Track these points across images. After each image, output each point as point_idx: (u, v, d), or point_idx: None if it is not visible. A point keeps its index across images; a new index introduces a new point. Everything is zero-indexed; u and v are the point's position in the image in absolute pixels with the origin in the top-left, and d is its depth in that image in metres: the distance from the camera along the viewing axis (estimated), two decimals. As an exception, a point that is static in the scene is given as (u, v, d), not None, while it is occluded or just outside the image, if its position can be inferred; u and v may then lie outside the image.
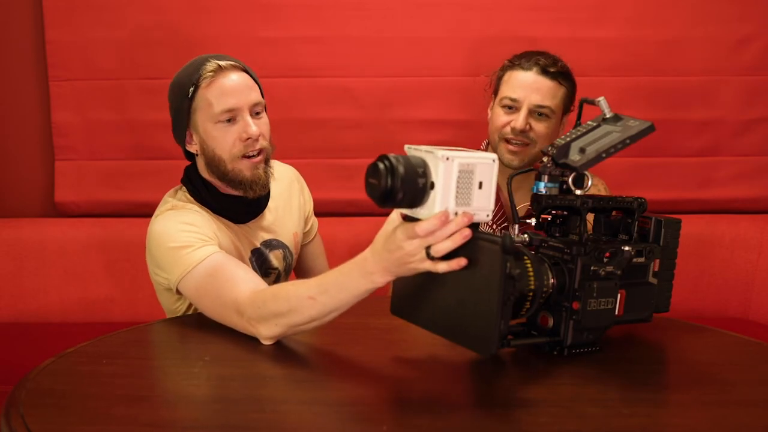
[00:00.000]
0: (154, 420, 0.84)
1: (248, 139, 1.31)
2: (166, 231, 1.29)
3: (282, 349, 1.13)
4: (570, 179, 1.05)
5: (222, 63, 1.32)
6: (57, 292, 2.09)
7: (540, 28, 2.16)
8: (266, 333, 1.10)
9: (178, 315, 1.38)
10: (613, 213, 1.14)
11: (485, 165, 0.93)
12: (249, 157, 1.33)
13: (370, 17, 2.17)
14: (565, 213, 1.09)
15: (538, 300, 0.98)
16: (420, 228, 0.90)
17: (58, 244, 2.10)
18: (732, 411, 0.87)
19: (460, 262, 0.91)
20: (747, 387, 0.95)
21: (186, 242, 1.25)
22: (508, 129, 1.61)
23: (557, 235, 1.08)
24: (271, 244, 1.45)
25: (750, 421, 0.84)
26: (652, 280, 1.11)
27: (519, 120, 1.59)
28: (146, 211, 2.15)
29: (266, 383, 0.98)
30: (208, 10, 2.15)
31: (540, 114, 1.60)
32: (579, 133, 1.10)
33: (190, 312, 1.37)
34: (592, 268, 1.00)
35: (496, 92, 1.70)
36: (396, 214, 0.98)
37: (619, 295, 1.04)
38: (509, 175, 1.18)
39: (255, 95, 1.34)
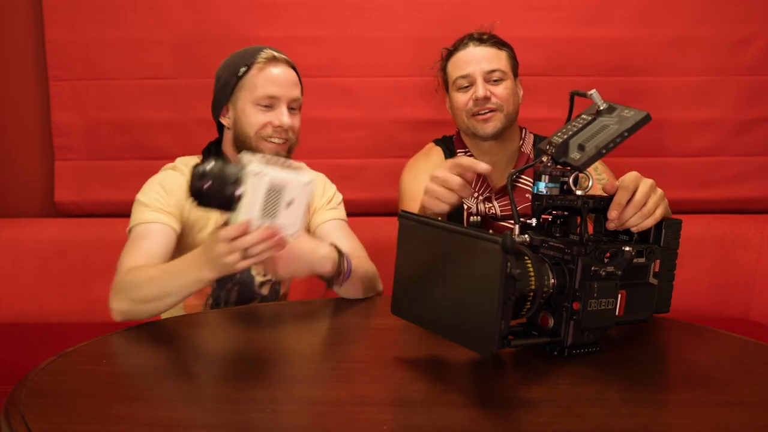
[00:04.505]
0: (154, 420, 0.84)
1: (279, 127, 1.44)
2: (146, 185, 1.46)
3: (282, 349, 1.13)
4: (570, 179, 1.05)
5: (277, 54, 1.47)
6: (57, 292, 2.09)
7: (540, 28, 2.16)
8: (115, 306, 1.24)
9: None
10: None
11: (297, 186, 1.02)
12: (272, 141, 1.45)
13: (370, 17, 2.17)
14: (566, 213, 1.09)
15: (538, 300, 0.98)
16: (222, 232, 1.02)
17: (58, 244, 2.10)
18: (732, 411, 0.87)
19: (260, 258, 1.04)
20: (747, 387, 0.95)
21: (147, 201, 1.40)
22: (471, 104, 1.67)
23: (558, 235, 1.08)
24: None
25: (750, 422, 0.84)
26: (653, 280, 1.11)
27: (479, 89, 1.65)
28: (146, 211, 2.17)
29: (266, 383, 0.98)
30: (208, 10, 2.15)
31: (495, 80, 1.67)
32: (575, 128, 1.08)
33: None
34: (592, 268, 1.00)
35: (446, 85, 1.77)
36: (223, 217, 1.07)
37: (619, 296, 1.04)
38: (509, 174, 1.18)
39: (296, 92, 1.48)
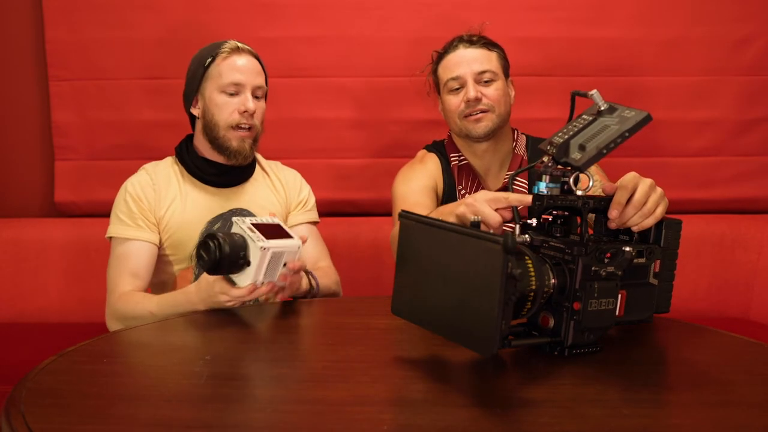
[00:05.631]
0: (154, 419, 0.84)
1: (245, 112, 1.52)
2: (118, 198, 1.56)
3: (282, 349, 1.13)
4: (571, 179, 1.05)
5: (240, 45, 1.55)
6: (57, 292, 2.09)
7: (540, 28, 2.17)
8: (113, 327, 1.43)
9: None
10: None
11: (292, 251, 1.23)
12: (240, 129, 1.53)
13: (370, 17, 2.17)
14: (566, 213, 1.09)
15: (539, 300, 0.98)
16: (233, 292, 1.22)
17: (58, 244, 2.10)
18: (732, 412, 0.87)
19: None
20: (747, 387, 0.95)
21: (123, 216, 1.52)
22: (462, 106, 1.66)
23: (558, 235, 1.08)
24: (240, 213, 1.58)
25: (750, 422, 0.84)
26: (653, 280, 1.11)
27: (470, 91, 1.64)
28: (146, 211, 2.17)
29: (266, 383, 0.98)
30: (208, 10, 2.15)
31: (486, 81, 1.66)
32: (576, 128, 1.08)
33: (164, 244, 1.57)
34: (593, 268, 1.00)
35: (438, 88, 1.75)
36: None
37: (619, 296, 1.04)
38: (511, 175, 1.18)
39: (260, 80, 1.56)
